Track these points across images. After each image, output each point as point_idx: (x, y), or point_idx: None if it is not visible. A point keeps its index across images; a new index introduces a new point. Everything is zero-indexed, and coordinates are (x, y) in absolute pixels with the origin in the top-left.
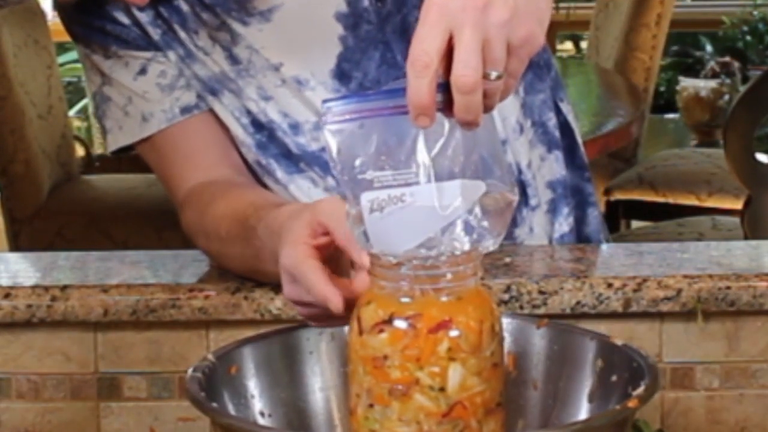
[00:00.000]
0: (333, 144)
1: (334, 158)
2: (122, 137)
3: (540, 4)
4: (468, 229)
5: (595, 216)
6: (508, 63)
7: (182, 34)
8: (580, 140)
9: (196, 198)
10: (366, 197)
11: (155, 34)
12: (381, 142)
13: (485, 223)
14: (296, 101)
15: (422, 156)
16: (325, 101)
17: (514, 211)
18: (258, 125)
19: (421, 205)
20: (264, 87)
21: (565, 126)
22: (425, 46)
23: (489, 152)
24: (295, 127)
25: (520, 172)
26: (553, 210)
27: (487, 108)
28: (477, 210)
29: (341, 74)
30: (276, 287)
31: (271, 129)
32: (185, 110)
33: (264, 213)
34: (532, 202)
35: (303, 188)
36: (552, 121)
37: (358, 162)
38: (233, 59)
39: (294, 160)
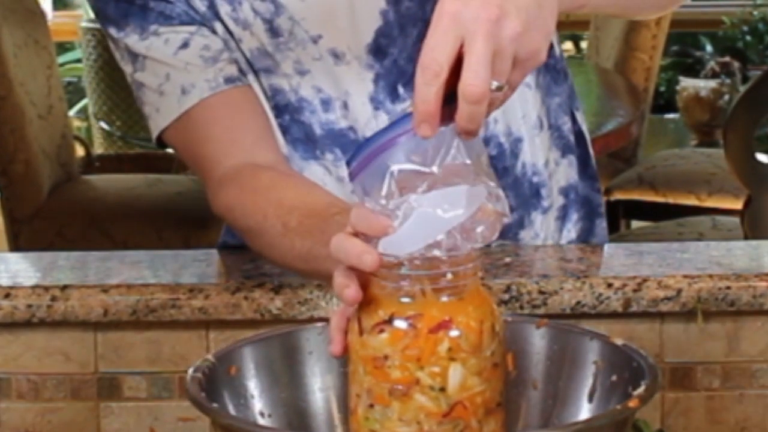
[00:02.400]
0: (362, 190)
1: (364, 199)
2: (161, 119)
3: (547, 20)
4: (465, 234)
5: (603, 227)
6: (511, 75)
7: (223, 9)
8: (591, 151)
9: (245, 177)
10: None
11: (201, 6)
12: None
13: (481, 230)
14: (330, 77)
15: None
16: (347, 162)
17: (513, 217)
18: (281, 108)
19: (425, 210)
20: (302, 60)
21: (579, 135)
22: (436, 54)
23: (479, 164)
24: (327, 103)
25: (534, 173)
26: (563, 216)
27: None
28: (476, 216)
29: (377, 49)
30: (276, 287)
31: (299, 109)
32: (229, 80)
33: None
34: (545, 203)
35: (317, 175)
36: (567, 125)
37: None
38: (273, 32)
39: (312, 144)
